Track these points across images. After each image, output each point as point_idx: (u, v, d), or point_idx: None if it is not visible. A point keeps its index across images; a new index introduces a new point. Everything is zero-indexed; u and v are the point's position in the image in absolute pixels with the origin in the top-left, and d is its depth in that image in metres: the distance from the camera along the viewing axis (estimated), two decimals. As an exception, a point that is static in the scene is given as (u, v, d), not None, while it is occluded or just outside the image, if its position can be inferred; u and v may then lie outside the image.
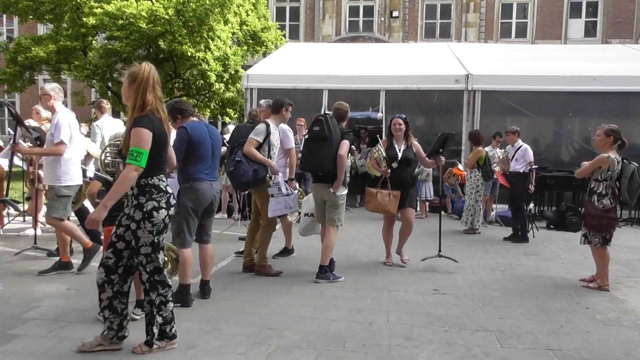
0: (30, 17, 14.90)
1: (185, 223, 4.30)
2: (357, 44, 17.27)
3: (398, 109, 12.18)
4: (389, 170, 5.73)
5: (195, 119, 4.54)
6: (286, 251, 6.26)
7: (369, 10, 21.13)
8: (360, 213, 9.46)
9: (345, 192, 5.31)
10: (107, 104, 7.51)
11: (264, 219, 5.42)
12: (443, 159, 5.91)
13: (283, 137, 5.61)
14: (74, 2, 14.08)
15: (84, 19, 13.25)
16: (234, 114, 15.05)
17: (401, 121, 5.82)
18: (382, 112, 10.72)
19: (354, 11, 21.25)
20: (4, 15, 19.87)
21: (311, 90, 10.95)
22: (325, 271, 5.21)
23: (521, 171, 7.73)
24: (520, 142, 7.96)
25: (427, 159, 5.94)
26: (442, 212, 8.97)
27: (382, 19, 20.93)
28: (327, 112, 6.10)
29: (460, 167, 8.97)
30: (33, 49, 14.19)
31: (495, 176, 8.41)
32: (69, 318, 3.99)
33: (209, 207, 4.44)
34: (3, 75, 15.14)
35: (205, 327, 3.86)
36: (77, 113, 11.75)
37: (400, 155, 5.77)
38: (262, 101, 6.09)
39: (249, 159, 5.11)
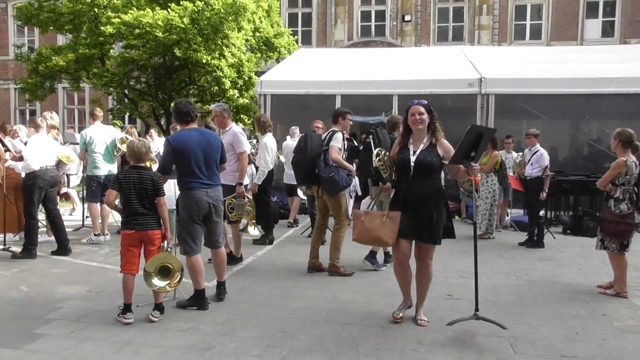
0: (51, 28, 15.26)
1: (186, 231, 4.41)
2: (369, 48, 17.34)
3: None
4: (389, 185, 4.38)
5: (194, 125, 4.57)
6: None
7: (380, 15, 21.18)
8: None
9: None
10: (99, 112, 7.73)
11: (338, 221, 5.68)
12: (477, 167, 3.90)
13: (234, 140, 5.65)
14: (92, 13, 14.38)
15: (102, 28, 13.53)
16: (248, 120, 15.20)
17: (422, 109, 3.97)
18: (395, 117, 10.76)
19: (365, 16, 21.32)
20: (26, 27, 20.32)
21: (324, 96, 11.05)
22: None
23: (536, 176, 7.65)
24: (538, 146, 7.83)
25: (455, 165, 4.02)
26: (456, 217, 9.00)
27: (394, 23, 20.97)
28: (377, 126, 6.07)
29: None
30: (53, 58, 14.53)
31: (508, 180, 8.41)
32: (90, 319, 4.12)
33: (208, 214, 4.47)
34: (25, 85, 15.51)
35: (221, 330, 3.96)
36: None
37: (413, 158, 3.99)
38: (213, 106, 6.12)
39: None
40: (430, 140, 4.04)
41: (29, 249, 6.22)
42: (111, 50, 15.07)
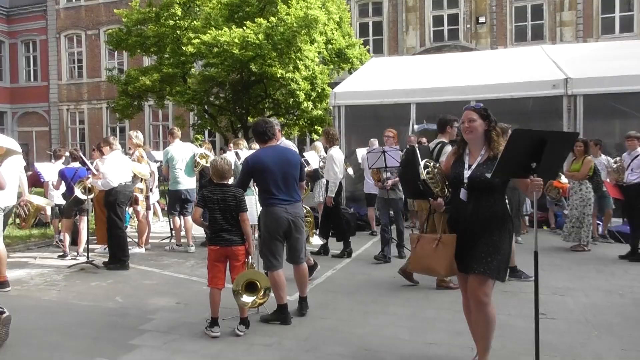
0: (138, 50, 16.31)
1: (267, 247, 4.49)
2: (442, 54, 16.96)
3: (490, 119, 11.88)
4: (440, 200, 3.47)
5: (273, 143, 4.67)
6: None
7: (453, 19, 20.69)
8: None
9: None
10: (178, 131, 8.21)
11: None
12: (539, 181, 3.08)
13: None
14: (174, 35, 15.21)
15: (184, 49, 14.25)
16: (322, 130, 15.37)
17: (474, 115, 3.29)
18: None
19: (438, 20, 20.92)
20: (116, 51, 21.82)
21: (398, 105, 10.93)
22: (516, 270, 5.72)
23: (638, 182, 7.02)
24: (639, 149, 7.19)
25: (523, 180, 3.19)
26: (544, 227, 8.50)
27: (468, 26, 20.41)
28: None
29: (563, 179, 8.38)
30: (140, 78, 15.50)
31: (604, 188, 7.84)
32: (180, 331, 4.28)
33: (288, 231, 4.52)
34: (116, 106, 16.67)
35: (304, 346, 3.97)
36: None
37: (467, 173, 3.31)
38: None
39: None
40: (488, 154, 3.28)
41: (122, 261, 6.60)
42: (192, 69, 15.83)
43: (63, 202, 7.48)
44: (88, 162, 7.18)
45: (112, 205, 6.63)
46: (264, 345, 3.99)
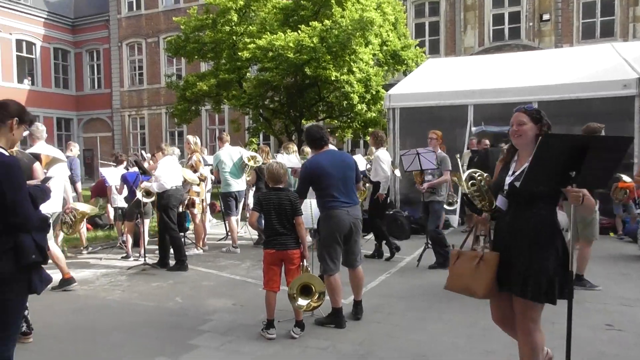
0: (196, 57, 16.82)
1: (326, 251, 4.48)
2: (503, 53, 16.45)
3: (552, 121, 11.42)
4: (485, 215, 3.17)
5: (329, 147, 4.71)
6: None
7: (515, 17, 20.03)
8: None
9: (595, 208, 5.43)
10: (226, 136, 8.48)
11: None
12: (578, 192, 2.67)
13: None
14: (230, 40, 15.56)
15: (239, 54, 14.56)
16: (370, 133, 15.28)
17: (525, 117, 2.96)
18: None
19: (498, 19, 20.33)
20: (174, 58, 22.59)
21: (455, 107, 10.70)
22: (581, 279, 5.50)
23: None
24: None
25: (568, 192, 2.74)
26: (611, 234, 8.11)
27: (531, 23, 19.70)
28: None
29: (626, 178, 7.94)
30: (198, 84, 15.97)
31: None
32: (236, 332, 4.36)
33: (349, 234, 4.53)
34: (175, 111, 17.26)
35: (359, 350, 3.95)
36: (233, 139, 12.90)
37: (509, 180, 3.00)
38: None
39: None
40: None
41: (182, 261, 6.81)
42: (247, 74, 16.14)
43: (125, 205, 7.80)
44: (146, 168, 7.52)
45: (165, 208, 6.86)
46: (319, 348, 4.00)
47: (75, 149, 9.23)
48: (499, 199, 3.03)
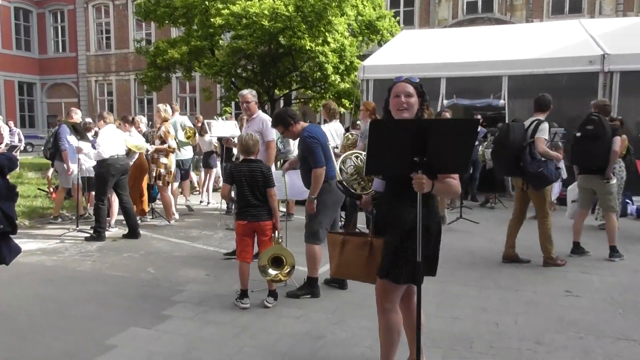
0: (166, 22, 16.33)
1: (325, 220, 4.54)
2: (475, 27, 16.53)
3: (522, 94, 11.61)
4: (367, 198, 3.24)
5: (303, 123, 4.67)
6: None
7: (488, -10, 20.08)
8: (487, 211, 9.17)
9: (614, 180, 5.87)
10: (176, 105, 8.96)
11: (544, 212, 5.54)
12: (419, 179, 2.44)
13: (264, 127, 5.70)
14: (203, 5, 15.13)
15: (212, 20, 14.21)
16: (349, 104, 15.25)
17: (411, 89, 2.67)
18: (504, 99, 10.23)
19: (472, -8, 20.35)
20: (143, 22, 21.87)
21: (428, 79, 10.73)
22: (615, 250, 5.81)
23: None
24: None
25: None
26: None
27: (504, -3, 19.80)
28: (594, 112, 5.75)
29: None
30: (169, 51, 15.55)
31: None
32: (210, 303, 4.39)
33: (343, 203, 4.79)
34: (145, 78, 16.81)
35: (331, 319, 4.04)
36: (205, 108, 12.50)
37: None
38: (246, 91, 6.05)
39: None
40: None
41: (98, 232, 6.82)
42: (220, 41, 15.79)
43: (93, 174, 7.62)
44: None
45: (101, 176, 6.84)
46: (293, 317, 4.07)
47: (76, 116, 8.72)
48: (375, 181, 2.91)
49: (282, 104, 18.06)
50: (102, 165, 6.80)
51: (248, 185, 4.25)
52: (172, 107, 8.38)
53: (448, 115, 8.74)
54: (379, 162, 2.56)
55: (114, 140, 6.94)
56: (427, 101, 2.78)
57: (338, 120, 7.69)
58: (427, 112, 2.79)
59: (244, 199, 4.27)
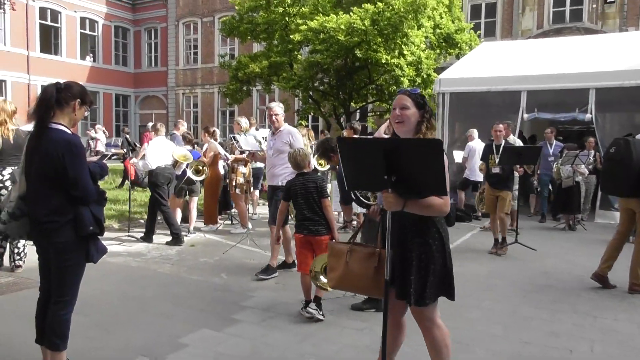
0: (249, 37, 17.05)
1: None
2: (562, 37, 15.77)
3: (611, 108, 10.93)
4: (375, 208, 3.19)
5: None
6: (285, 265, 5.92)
7: (577, -2, 19.12)
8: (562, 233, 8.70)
9: None
10: (161, 127, 7.98)
11: None
12: (388, 197, 2.48)
13: (293, 139, 5.67)
14: (283, 21, 15.66)
15: (291, 36, 14.65)
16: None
17: (407, 101, 2.70)
18: (591, 113, 9.69)
19: (559, 1, 19.42)
20: (228, 38, 22.94)
21: (508, 93, 10.42)
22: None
23: None
24: None
25: None
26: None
27: (594, 5, 18.73)
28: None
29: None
30: (250, 65, 16.21)
31: None
32: (277, 309, 4.54)
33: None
34: (227, 91, 17.62)
35: (395, 333, 4.03)
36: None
37: None
38: (273, 104, 6.03)
39: None
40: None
41: (176, 235, 7.18)
42: (299, 56, 16.23)
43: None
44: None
45: (153, 185, 7.24)
46: (356, 329, 4.11)
47: (183, 127, 9.34)
48: (378, 194, 2.85)
49: (357, 117, 18.18)
50: (152, 174, 7.25)
51: (303, 199, 4.35)
52: (249, 121, 8.69)
53: (345, 133, 8.95)
54: (354, 179, 2.63)
55: (162, 152, 7.37)
56: (429, 113, 2.73)
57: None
58: (427, 125, 2.69)
59: (300, 212, 4.38)
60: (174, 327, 4.08)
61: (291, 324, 4.19)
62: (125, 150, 9.33)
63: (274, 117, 5.82)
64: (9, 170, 5.13)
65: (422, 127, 2.68)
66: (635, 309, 4.71)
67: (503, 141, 7.26)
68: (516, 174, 7.31)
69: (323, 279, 4.28)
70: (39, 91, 25.11)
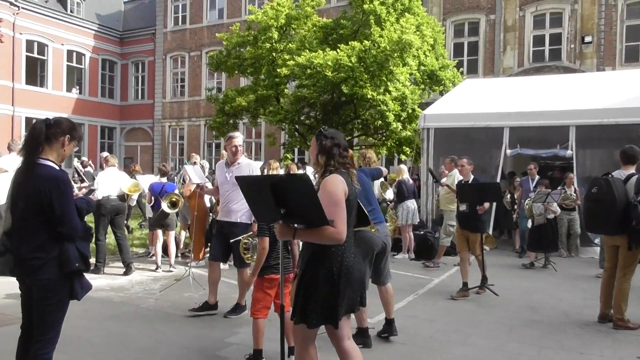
0: (236, 72, 17.26)
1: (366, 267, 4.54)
2: (542, 75, 16.24)
3: (591, 145, 11.19)
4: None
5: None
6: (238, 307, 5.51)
7: (556, 38, 19.72)
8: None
9: None
10: (112, 159, 8.20)
11: (628, 270, 5.23)
12: (279, 227, 2.82)
13: (253, 174, 5.14)
14: (270, 57, 15.92)
15: (278, 70, 14.88)
16: (410, 152, 15.27)
17: (314, 139, 3.07)
18: (571, 150, 9.92)
19: (538, 40, 20.05)
20: (215, 72, 23.20)
21: (491, 129, 10.64)
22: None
23: None
24: None
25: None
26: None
27: (572, 45, 19.37)
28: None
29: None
30: (237, 99, 16.36)
31: None
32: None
33: (380, 251, 4.62)
34: (214, 124, 17.71)
35: (382, 371, 3.99)
36: (269, 153, 12.88)
37: None
38: (237, 133, 5.53)
39: None
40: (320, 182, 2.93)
41: (97, 266, 7.34)
42: (285, 90, 16.44)
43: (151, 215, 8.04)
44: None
45: (96, 215, 7.42)
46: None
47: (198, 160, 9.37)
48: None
49: (343, 151, 18.31)
50: (98, 204, 7.26)
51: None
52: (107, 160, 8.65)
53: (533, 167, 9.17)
54: (255, 212, 3.07)
55: (110, 182, 7.51)
56: (326, 148, 2.93)
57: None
58: (322, 158, 2.93)
59: (277, 251, 3.95)
60: (157, 365, 3.99)
61: (277, 361, 4.12)
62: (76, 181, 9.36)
63: (235, 148, 5.30)
64: None
65: (324, 162, 2.92)
66: (619, 344, 4.72)
67: (472, 176, 6.84)
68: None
69: None
70: (23, 123, 25.03)
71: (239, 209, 5.20)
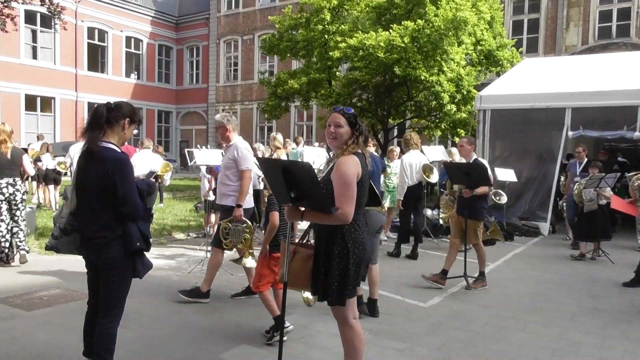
0: (288, 55, 17.29)
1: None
2: (608, 53, 15.35)
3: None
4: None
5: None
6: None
7: (624, 13, 18.56)
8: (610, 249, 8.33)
9: None
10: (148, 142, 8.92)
11: None
12: (288, 209, 2.95)
13: (239, 156, 5.01)
14: (322, 39, 15.82)
15: (330, 53, 14.78)
16: (465, 134, 14.87)
17: (342, 120, 2.97)
18: (639, 131, 9.36)
19: (605, 16, 18.94)
20: (268, 55, 23.38)
21: (551, 110, 10.18)
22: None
23: None
24: None
25: None
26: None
27: (642, 20, 18.20)
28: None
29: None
30: (289, 82, 16.42)
31: None
32: (316, 327, 4.51)
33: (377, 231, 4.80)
34: (266, 107, 17.89)
35: (437, 355, 3.96)
36: (320, 135, 12.82)
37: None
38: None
39: None
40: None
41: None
42: (337, 72, 16.34)
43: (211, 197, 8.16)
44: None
45: None
46: (397, 350, 4.04)
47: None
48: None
49: (395, 133, 18.11)
50: None
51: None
52: (295, 139, 8.87)
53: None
54: (275, 192, 3.11)
55: (141, 164, 7.48)
56: (360, 132, 2.99)
57: (419, 150, 7.96)
58: (351, 142, 2.94)
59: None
60: (214, 342, 4.11)
61: (331, 342, 4.14)
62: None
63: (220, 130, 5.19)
64: (5, 180, 6.21)
65: (347, 143, 2.96)
66: None
67: (474, 156, 6.21)
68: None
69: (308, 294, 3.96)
70: (86, 108, 26.17)
71: (226, 192, 5.14)
